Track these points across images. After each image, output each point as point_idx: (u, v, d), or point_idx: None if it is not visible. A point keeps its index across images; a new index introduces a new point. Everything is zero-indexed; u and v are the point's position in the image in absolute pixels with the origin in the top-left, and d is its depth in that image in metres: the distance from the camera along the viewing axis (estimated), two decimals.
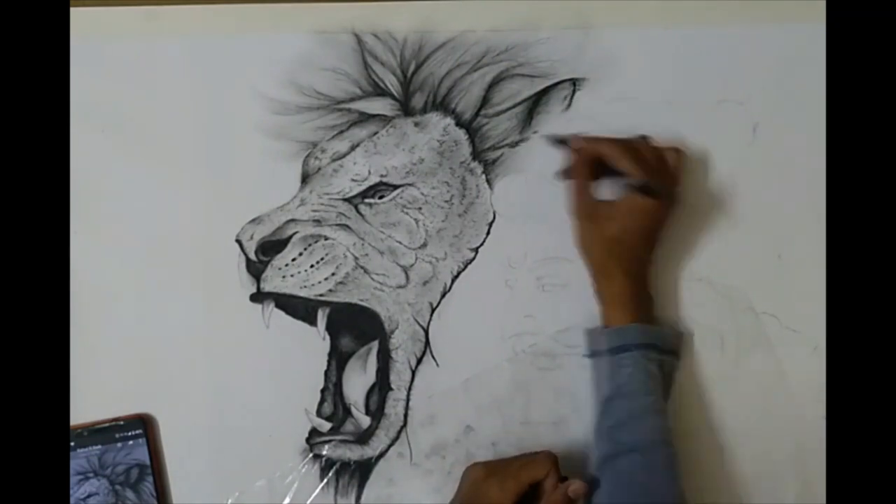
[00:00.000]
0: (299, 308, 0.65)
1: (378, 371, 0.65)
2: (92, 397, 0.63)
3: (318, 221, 0.65)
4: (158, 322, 0.65)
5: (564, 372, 0.65)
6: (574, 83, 0.67)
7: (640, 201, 0.61)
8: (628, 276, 0.62)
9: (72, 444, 0.62)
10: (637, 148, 0.63)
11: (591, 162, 0.63)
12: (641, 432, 0.59)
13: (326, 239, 0.65)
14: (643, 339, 0.61)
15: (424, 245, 0.66)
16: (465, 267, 0.66)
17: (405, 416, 0.65)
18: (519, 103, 0.67)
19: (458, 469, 0.63)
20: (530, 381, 0.65)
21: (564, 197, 0.65)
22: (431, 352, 0.65)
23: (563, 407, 0.65)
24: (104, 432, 0.63)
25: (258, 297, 0.65)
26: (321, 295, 0.65)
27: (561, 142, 0.65)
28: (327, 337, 0.65)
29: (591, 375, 0.63)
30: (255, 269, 0.65)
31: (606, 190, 0.64)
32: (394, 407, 0.65)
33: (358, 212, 0.66)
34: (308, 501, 0.64)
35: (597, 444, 0.60)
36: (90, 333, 0.64)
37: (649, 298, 0.64)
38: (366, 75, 0.66)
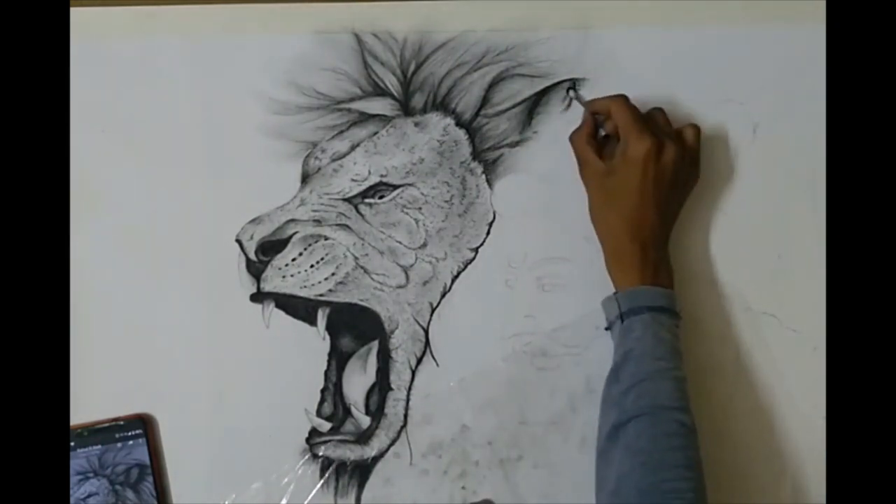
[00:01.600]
0: (299, 308, 0.65)
1: (378, 371, 0.65)
2: (92, 397, 0.63)
3: (318, 221, 0.65)
4: (158, 322, 0.65)
5: (561, 371, 0.65)
6: (574, 83, 0.67)
7: (633, 152, 0.60)
8: (635, 240, 0.60)
9: (72, 444, 0.62)
10: (644, 114, 0.62)
11: (594, 119, 0.63)
12: (648, 397, 0.57)
13: (326, 239, 0.65)
14: (653, 301, 0.59)
15: (424, 245, 0.66)
16: (465, 267, 0.66)
17: (405, 416, 0.65)
18: (519, 103, 0.67)
19: (454, 468, 0.63)
20: (526, 380, 0.65)
21: (565, 196, 0.65)
22: (431, 352, 0.65)
23: (559, 406, 0.65)
24: (104, 432, 0.63)
25: (258, 297, 0.65)
26: (321, 295, 0.65)
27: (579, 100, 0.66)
28: (327, 337, 0.65)
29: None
30: (255, 269, 0.65)
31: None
32: (393, 407, 0.65)
33: (358, 212, 0.66)
34: (307, 501, 0.64)
35: (605, 415, 0.59)
36: (90, 333, 0.64)
37: (663, 264, 0.62)
38: (366, 75, 0.66)
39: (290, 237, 0.65)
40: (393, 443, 0.65)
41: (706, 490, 0.56)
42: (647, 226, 0.61)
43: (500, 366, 0.65)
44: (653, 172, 0.60)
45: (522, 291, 0.66)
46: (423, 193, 0.66)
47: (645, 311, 0.59)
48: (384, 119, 0.66)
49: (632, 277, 0.60)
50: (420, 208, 0.66)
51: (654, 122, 0.63)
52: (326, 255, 0.65)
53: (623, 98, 0.62)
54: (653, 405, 0.56)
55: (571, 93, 0.66)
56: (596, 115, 0.64)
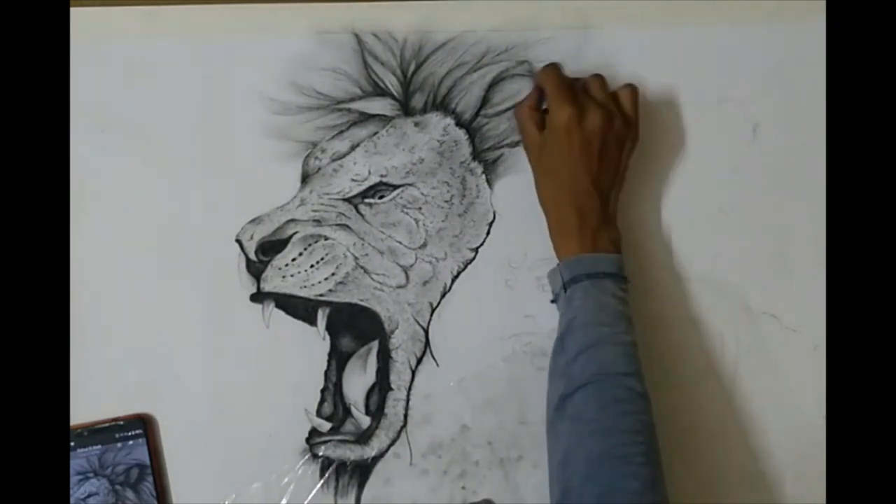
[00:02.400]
0: (299, 308, 0.65)
1: (378, 371, 0.65)
2: (92, 397, 0.63)
3: (318, 221, 0.65)
4: (158, 322, 0.65)
5: None
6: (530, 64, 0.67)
7: (556, 120, 0.60)
8: (570, 207, 0.60)
9: (72, 444, 0.62)
10: (573, 84, 0.63)
11: (539, 91, 0.64)
12: (593, 365, 0.56)
13: (326, 239, 0.65)
14: (593, 268, 0.59)
15: (424, 245, 0.66)
16: (465, 267, 0.66)
17: (405, 416, 0.65)
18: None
19: (454, 468, 0.63)
20: (526, 379, 0.65)
21: None
22: (431, 352, 0.65)
23: None
24: (104, 432, 0.63)
25: (258, 297, 0.65)
26: (321, 295, 0.65)
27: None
28: (327, 337, 0.65)
29: None
30: (255, 269, 0.65)
31: None
32: (394, 407, 0.65)
33: (358, 212, 0.66)
34: (307, 502, 0.64)
35: (552, 387, 0.58)
36: (90, 333, 0.64)
37: (604, 230, 0.61)
38: (366, 75, 0.66)
39: (290, 237, 0.65)
40: (393, 443, 0.65)
41: (659, 455, 0.55)
42: (582, 193, 0.60)
43: (500, 366, 0.65)
44: (578, 139, 0.60)
45: (522, 291, 0.66)
46: (423, 193, 0.66)
47: (584, 279, 0.59)
48: (384, 119, 0.66)
49: (571, 247, 0.60)
50: (420, 208, 0.66)
51: (586, 90, 0.63)
52: (326, 255, 0.65)
53: (551, 67, 0.63)
54: (599, 373, 0.55)
55: (528, 66, 0.66)
56: (540, 88, 0.64)
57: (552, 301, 0.63)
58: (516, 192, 0.66)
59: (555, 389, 0.57)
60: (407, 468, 0.65)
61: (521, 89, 0.67)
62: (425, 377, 0.65)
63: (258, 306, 0.65)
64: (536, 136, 0.63)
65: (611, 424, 0.54)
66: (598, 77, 0.64)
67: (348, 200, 0.66)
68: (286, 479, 0.64)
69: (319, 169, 0.66)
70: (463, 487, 0.65)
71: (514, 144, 0.67)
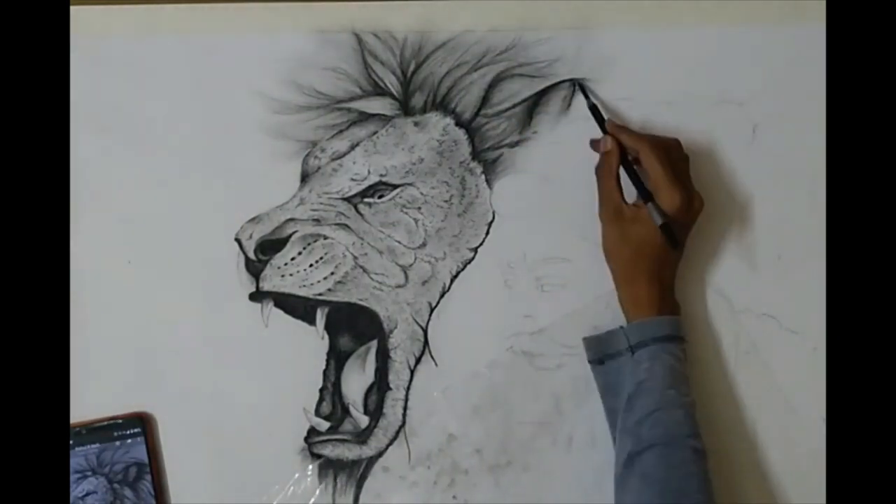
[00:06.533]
0: (298, 307, 0.65)
1: (377, 371, 0.65)
2: (91, 396, 0.63)
3: (317, 221, 0.65)
4: (158, 321, 0.65)
5: (546, 374, 0.65)
6: (575, 84, 0.67)
7: (665, 206, 0.60)
8: (652, 282, 0.61)
9: (70, 442, 0.62)
10: (667, 148, 0.62)
11: (620, 158, 0.63)
12: (661, 427, 0.58)
13: (325, 238, 0.65)
14: (659, 331, 0.60)
15: (423, 245, 0.66)
16: (465, 267, 0.66)
17: (403, 415, 0.65)
18: (519, 103, 0.67)
19: (443, 479, 0.63)
20: (514, 383, 0.65)
21: (565, 196, 0.65)
22: (430, 352, 0.65)
23: (546, 410, 0.65)
24: (103, 431, 0.63)
25: (257, 296, 0.65)
26: (320, 294, 0.65)
27: (598, 118, 0.65)
28: (326, 336, 0.65)
29: (600, 380, 0.63)
30: (255, 269, 0.65)
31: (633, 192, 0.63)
32: (392, 407, 0.65)
33: (357, 211, 0.66)
34: (306, 501, 0.64)
35: (621, 443, 0.60)
36: (90, 333, 0.64)
37: (674, 303, 0.63)
38: (366, 75, 0.66)
39: (290, 236, 0.65)
40: (391, 442, 0.65)
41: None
42: (667, 270, 0.62)
43: (484, 373, 0.65)
44: (681, 225, 0.61)
45: (522, 291, 0.66)
46: (422, 193, 0.66)
47: (652, 343, 0.60)
48: (384, 119, 0.66)
49: (643, 311, 0.61)
50: (419, 208, 0.66)
51: (678, 167, 0.62)
52: (325, 254, 0.65)
53: (652, 143, 0.62)
54: (667, 434, 0.58)
55: (589, 101, 0.66)
56: (622, 146, 0.63)
57: (593, 361, 0.63)
58: (516, 192, 0.66)
59: (623, 446, 0.60)
60: (397, 481, 0.64)
61: (521, 89, 0.67)
62: (425, 377, 0.65)
63: (257, 305, 0.65)
64: (626, 209, 0.62)
65: (678, 486, 0.57)
66: (678, 143, 0.64)
67: (348, 200, 0.66)
68: (284, 478, 0.64)
69: (319, 168, 0.66)
70: (454, 497, 0.64)
71: (513, 144, 0.67)
